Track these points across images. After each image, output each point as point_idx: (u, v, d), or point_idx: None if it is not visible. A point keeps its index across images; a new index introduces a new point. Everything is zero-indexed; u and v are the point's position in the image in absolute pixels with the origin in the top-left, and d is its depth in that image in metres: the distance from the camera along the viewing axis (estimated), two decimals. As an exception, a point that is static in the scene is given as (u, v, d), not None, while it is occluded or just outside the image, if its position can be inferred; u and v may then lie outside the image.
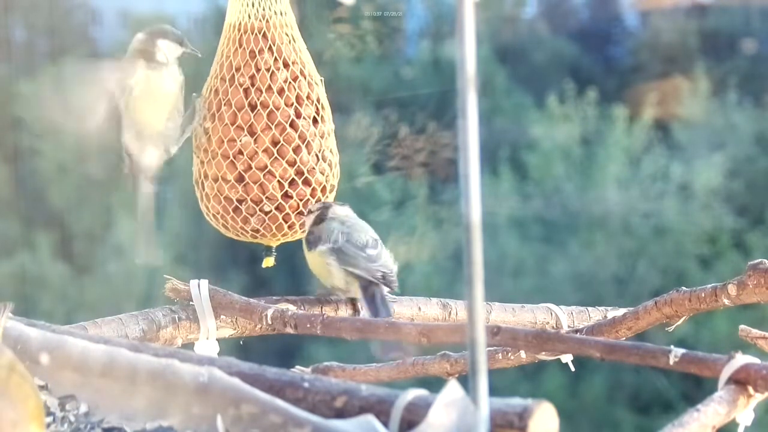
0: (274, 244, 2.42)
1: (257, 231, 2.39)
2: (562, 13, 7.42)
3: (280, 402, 1.42)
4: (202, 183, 2.42)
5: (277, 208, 2.38)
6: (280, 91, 2.37)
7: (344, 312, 2.34)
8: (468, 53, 1.25)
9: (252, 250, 2.54)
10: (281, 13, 2.38)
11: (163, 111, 2.37)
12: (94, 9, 6.87)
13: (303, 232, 2.37)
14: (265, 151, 2.37)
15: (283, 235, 2.41)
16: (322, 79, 2.42)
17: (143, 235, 2.39)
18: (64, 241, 6.48)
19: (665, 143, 6.77)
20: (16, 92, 6.29)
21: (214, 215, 2.41)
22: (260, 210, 2.38)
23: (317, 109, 2.40)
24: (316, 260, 2.32)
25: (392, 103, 5.88)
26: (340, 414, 1.41)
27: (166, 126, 2.36)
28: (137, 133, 2.35)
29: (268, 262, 2.43)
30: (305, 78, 2.39)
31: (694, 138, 6.81)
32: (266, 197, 2.37)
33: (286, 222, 2.39)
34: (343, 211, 2.37)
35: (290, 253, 2.47)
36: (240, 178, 2.37)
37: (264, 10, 2.37)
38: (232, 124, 2.37)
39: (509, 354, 2.23)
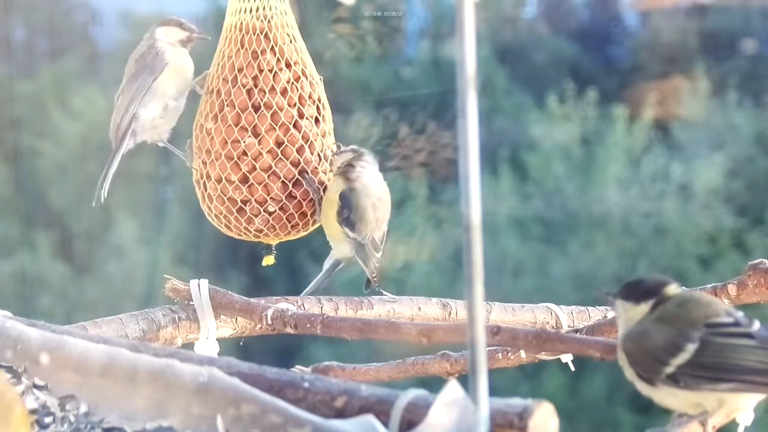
0: (274, 242, 2.43)
1: (260, 231, 2.39)
2: (562, 13, 7.41)
3: (280, 402, 1.42)
4: (204, 184, 2.41)
5: (281, 209, 2.38)
6: (283, 92, 2.37)
7: (344, 312, 2.35)
8: (468, 53, 1.25)
9: (252, 250, 2.54)
10: (283, 13, 2.39)
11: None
12: (94, 9, 6.86)
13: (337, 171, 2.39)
14: (269, 151, 2.37)
15: (286, 235, 2.41)
16: (321, 78, 2.42)
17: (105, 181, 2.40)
18: (64, 241, 6.47)
19: (665, 143, 6.76)
20: (16, 92, 6.29)
21: (216, 216, 2.41)
22: (264, 210, 2.38)
23: (318, 108, 2.41)
24: (338, 231, 2.37)
25: (392, 103, 5.87)
26: (340, 414, 1.41)
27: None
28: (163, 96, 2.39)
29: (269, 260, 2.43)
30: (307, 78, 2.40)
31: (694, 138, 6.80)
32: (270, 198, 2.37)
33: (290, 222, 2.39)
34: (372, 184, 2.38)
35: (290, 253, 2.47)
36: (244, 179, 2.37)
37: (265, 10, 2.37)
38: (236, 125, 2.37)
39: (509, 354, 2.23)
